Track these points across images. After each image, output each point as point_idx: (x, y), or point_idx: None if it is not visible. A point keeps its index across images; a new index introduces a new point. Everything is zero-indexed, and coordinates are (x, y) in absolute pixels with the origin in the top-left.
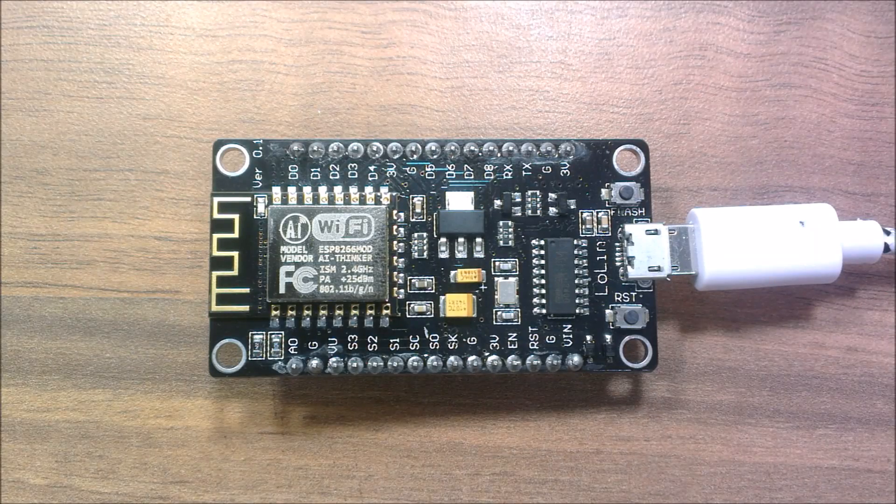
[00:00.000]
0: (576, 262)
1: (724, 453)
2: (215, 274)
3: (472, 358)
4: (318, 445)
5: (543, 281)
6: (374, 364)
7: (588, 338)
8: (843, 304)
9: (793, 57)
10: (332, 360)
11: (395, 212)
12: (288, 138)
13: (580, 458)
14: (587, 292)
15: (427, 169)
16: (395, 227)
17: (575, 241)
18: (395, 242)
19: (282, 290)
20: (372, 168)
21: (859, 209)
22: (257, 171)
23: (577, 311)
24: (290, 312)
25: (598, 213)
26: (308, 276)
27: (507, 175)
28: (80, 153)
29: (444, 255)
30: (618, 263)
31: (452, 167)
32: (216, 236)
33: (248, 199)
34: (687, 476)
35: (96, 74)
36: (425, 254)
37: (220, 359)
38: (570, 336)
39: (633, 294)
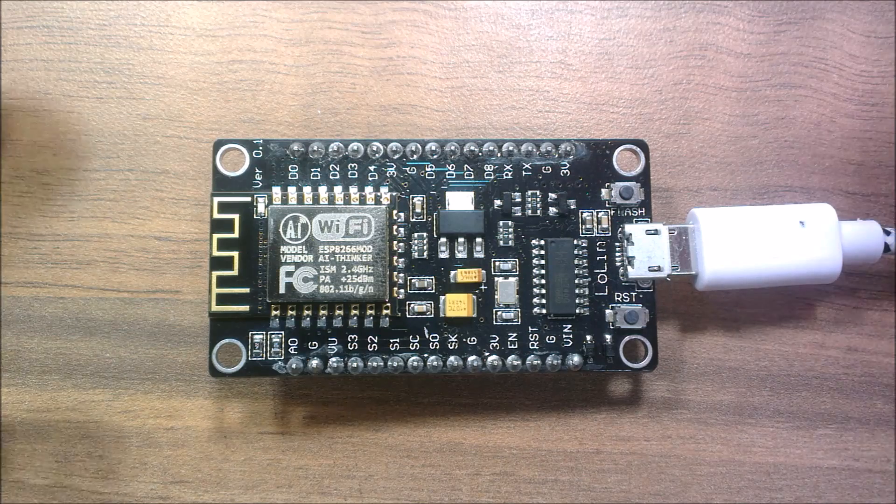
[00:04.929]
0: (576, 262)
1: (724, 453)
2: (215, 274)
3: (472, 358)
4: (318, 445)
5: (543, 281)
6: (374, 364)
7: (588, 338)
8: (843, 304)
9: (793, 57)
10: (332, 360)
11: (395, 212)
12: (288, 138)
13: (580, 458)
14: (587, 292)
15: (427, 169)
16: (395, 227)
17: (575, 241)
18: (395, 242)
19: (282, 290)
20: (372, 168)
21: (859, 209)
22: (257, 171)
23: (577, 311)
24: (290, 312)
25: (598, 213)
26: (308, 276)
27: (507, 175)
28: (80, 153)
29: (444, 255)
30: (618, 263)
31: (452, 167)
32: (216, 236)
33: (248, 199)
34: (687, 476)
35: (96, 74)
36: (425, 254)
37: (220, 359)
38: (570, 336)
39: (633, 294)
